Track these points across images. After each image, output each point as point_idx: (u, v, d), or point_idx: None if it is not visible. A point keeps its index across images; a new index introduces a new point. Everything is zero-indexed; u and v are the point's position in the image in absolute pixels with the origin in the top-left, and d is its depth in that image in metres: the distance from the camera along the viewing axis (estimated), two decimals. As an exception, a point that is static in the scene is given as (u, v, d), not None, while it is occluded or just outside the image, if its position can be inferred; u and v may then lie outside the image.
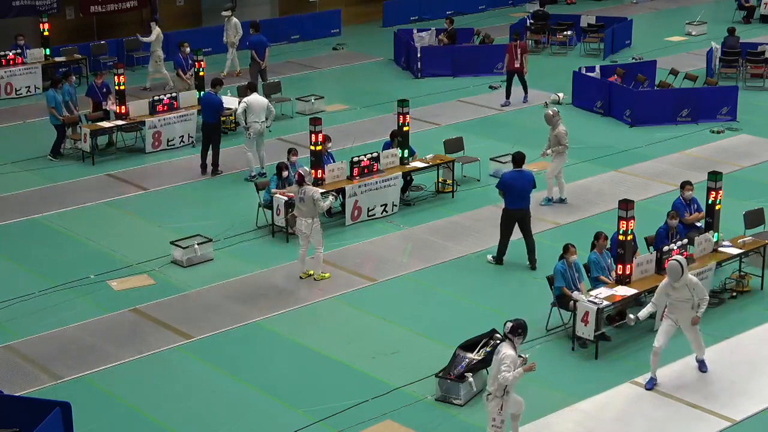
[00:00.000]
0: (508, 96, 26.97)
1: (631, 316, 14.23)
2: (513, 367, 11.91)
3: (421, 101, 27.08)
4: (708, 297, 14.32)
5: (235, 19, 29.93)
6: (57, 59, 28.90)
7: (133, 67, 30.67)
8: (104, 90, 24.14)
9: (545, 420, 13.46)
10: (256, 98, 21.84)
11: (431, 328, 15.87)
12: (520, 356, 12.14)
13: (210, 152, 22.17)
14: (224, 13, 30.02)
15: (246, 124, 21.57)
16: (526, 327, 12.23)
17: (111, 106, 23.96)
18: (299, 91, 27.84)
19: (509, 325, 12.15)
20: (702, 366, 14.53)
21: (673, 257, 14.16)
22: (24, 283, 17.37)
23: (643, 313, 14.12)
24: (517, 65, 26.61)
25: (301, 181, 17.27)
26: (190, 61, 26.43)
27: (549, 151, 20.08)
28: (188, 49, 26.63)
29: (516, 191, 17.54)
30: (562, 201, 20.33)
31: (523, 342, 12.25)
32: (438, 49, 30.59)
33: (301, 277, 17.47)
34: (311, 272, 17.53)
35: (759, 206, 18.57)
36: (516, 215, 17.60)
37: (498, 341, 14.24)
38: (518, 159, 17.89)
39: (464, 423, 13.38)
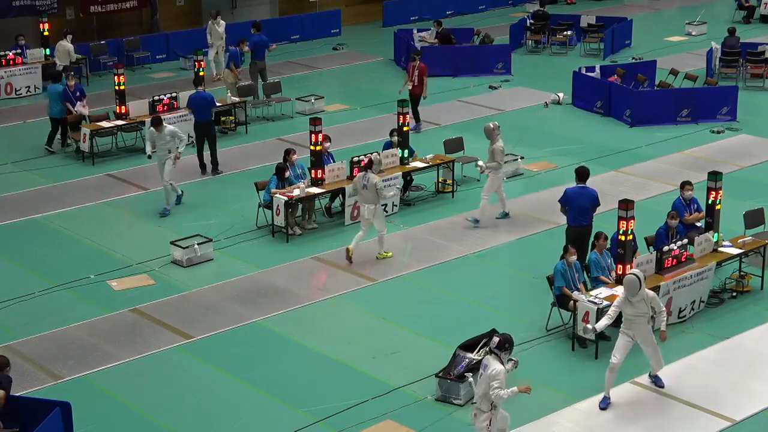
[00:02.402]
0: (416, 120, 24.83)
1: (589, 326, 13.96)
2: (505, 383, 11.70)
3: (421, 101, 27.03)
4: (665, 310, 13.90)
5: (222, 23, 29.64)
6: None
7: (132, 67, 30.67)
8: (77, 93, 23.79)
9: (545, 420, 13.46)
10: None
11: (431, 328, 15.87)
12: (510, 359, 12.02)
13: (207, 151, 22.15)
14: (213, 21, 29.74)
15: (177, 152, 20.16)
16: (512, 341, 12.02)
17: (83, 109, 23.69)
18: (299, 91, 27.84)
19: (496, 339, 11.92)
20: (658, 381, 14.18)
21: (631, 271, 13.83)
22: (24, 283, 17.37)
23: (600, 324, 13.75)
24: (410, 87, 24.57)
25: (367, 168, 17.59)
26: (242, 58, 26.63)
27: (482, 164, 19.25)
28: (246, 47, 26.73)
29: (577, 207, 16.87)
30: (505, 215, 19.78)
31: (509, 356, 12.01)
32: (438, 49, 30.60)
33: (349, 258, 17.78)
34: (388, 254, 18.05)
35: (759, 206, 18.56)
36: (577, 232, 16.76)
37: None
38: (582, 174, 17.08)
39: (464, 423, 13.37)
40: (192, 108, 22.17)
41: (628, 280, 13.46)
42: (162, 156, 20.16)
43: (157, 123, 20.13)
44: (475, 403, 12.03)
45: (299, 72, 30.92)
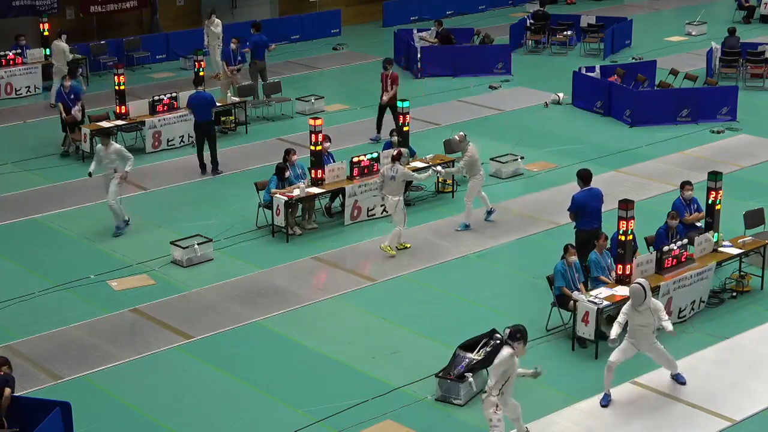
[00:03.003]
0: (378, 130, 24.13)
1: (612, 337, 13.62)
2: (508, 368, 11.98)
3: (421, 101, 27.08)
4: (669, 321, 13.82)
5: (216, 21, 29.56)
6: (57, 59, 28.88)
7: (132, 67, 30.67)
8: (71, 96, 23.35)
9: (545, 420, 13.46)
10: None
11: (431, 328, 15.87)
12: (535, 368, 12.37)
13: (207, 152, 22.15)
14: (208, 21, 29.66)
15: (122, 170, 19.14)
16: (525, 331, 12.19)
17: (77, 113, 23.32)
18: (299, 91, 27.84)
19: (507, 330, 12.20)
20: (679, 378, 14.17)
21: (636, 281, 13.78)
22: (24, 283, 17.37)
23: (614, 332, 13.63)
24: (384, 98, 23.83)
25: (396, 159, 17.93)
26: (239, 57, 26.57)
27: (443, 171, 19.58)
28: (235, 46, 26.62)
29: (590, 211, 16.71)
30: (490, 214, 19.67)
31: (525, 346, 12.18)
32: (438, 49, 30.60)
33: (398, 247, 18.20)
34: (407, 245, 18.29)
35: (759, 206, 18.56)
36: (589, 234, 16.37)
37: (497, 341, 14.28)
38: (585, 176, 16.90)
39: (464, 423, 13.39)
40: (192, 108, 22.16)
41: (633, 290, 13.49)
42: (108, 174, 19.13)
43: (104, 135, 19.30)
44: (485, 391, 12.26)
45: (299, 72, 30.92)
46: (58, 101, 23.66)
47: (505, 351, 12.06)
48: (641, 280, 13.70)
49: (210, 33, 29.37)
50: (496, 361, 12.09)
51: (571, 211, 16.99)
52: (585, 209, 16.76)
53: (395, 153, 18.33)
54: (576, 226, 16.91)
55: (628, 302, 13.70)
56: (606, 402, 13.74)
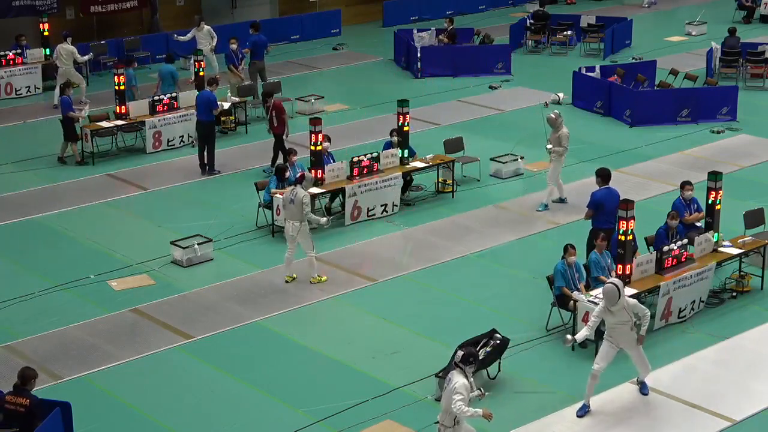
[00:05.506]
0: (273, 163, 21.85)
1: (569, 337, 13.63)
2: (467, 396, 11.56)
3: (421, 101, 27.08)
4: (649, 314, 13.69)
5: (207, 27, 29.43)
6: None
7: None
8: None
9: (545, 420, 13.46)
10: None
11: (431, 328, 15.87)
12: (479, 389, 11.95)
13: (206, 151, 22.16)
14: (197, 29, 29.52)
15: None
16: (477, 356, 11.95)
17: (77, 114, 23.07)
18: (299, 91, 27.83)
19: (459, 353, 11.84)
20: (643, 388, 14.03)
21: (610, 280, 13.69)
22: (24, 283, 17.37)
23: (580, 336, 13.61)
24: (270, 128, 22.19)
25: (299, 182, 17.22)
26: (240, 56, 26.64)
27: (550, 147, 19.82)
28: (235, 45, 26.64)
29: (607, 209, 16.75)
30: (562, 201, 20.27)
31: (474, 370, 11.99)
32: (438, 49, 30.61)
33: (286, 281, 17.31)
34: (295, 276, 17.36)
35: (759, 206, 18.57)
36: (607, 234, 16.28)
37: (497, 340, 14.28)
38: (605, 175, 17.11)
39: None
40: (196, 106, 22.30)
41: (607, 290, 13.32)
42: None
43: None
44: (438, 419, 11.98)
45: (299, 72, 30.92)
46: (67, 110, 22.89)
47: (461, 378, 11.63)
48: (615, 280, 13.59)
49: (202, 37, 29.18)
50: (453, 389, 11.57)
51: (589, 208, 17.02)
52: (603, 208, 16.82)
53: (298, 176, 17.40)
54: (592, 224, 16.92)
55: (600, 304, 13.53)
56: (583, 413, 13.52)
